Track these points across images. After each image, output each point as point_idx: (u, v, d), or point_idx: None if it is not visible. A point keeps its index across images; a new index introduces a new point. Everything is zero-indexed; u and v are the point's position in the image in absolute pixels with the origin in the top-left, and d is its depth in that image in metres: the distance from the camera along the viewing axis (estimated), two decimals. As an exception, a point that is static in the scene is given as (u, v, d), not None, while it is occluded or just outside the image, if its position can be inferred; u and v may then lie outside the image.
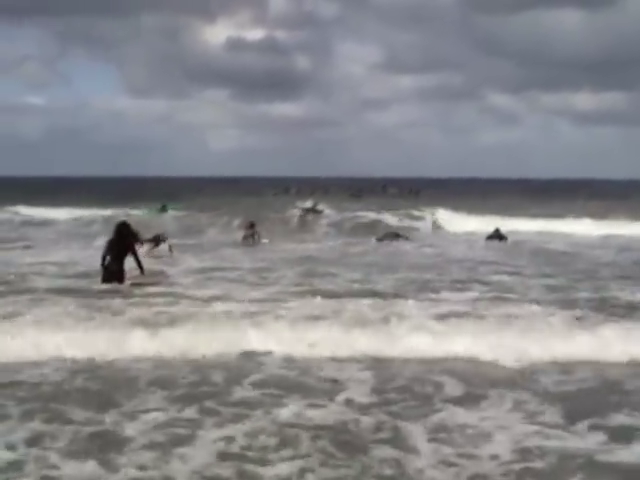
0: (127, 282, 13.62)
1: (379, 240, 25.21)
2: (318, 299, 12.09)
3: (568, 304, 12.00)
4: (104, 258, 13.71)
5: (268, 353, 8.93)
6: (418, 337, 9.32)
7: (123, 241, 13.87)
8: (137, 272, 13.86)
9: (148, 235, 19.75)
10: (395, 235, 25.85)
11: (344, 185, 76.48)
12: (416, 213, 32.86)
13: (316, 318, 10.51)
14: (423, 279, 14.95)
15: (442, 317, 10.74)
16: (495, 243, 24.30)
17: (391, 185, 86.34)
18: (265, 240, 23.89)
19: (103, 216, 29.83)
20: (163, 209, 33.81)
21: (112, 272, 13.61)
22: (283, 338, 9.28)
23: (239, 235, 24.91)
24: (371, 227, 29.10)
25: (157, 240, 20.04)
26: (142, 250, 18.60)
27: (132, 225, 20.63)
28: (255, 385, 7.83)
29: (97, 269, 13.79)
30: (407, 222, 30.60)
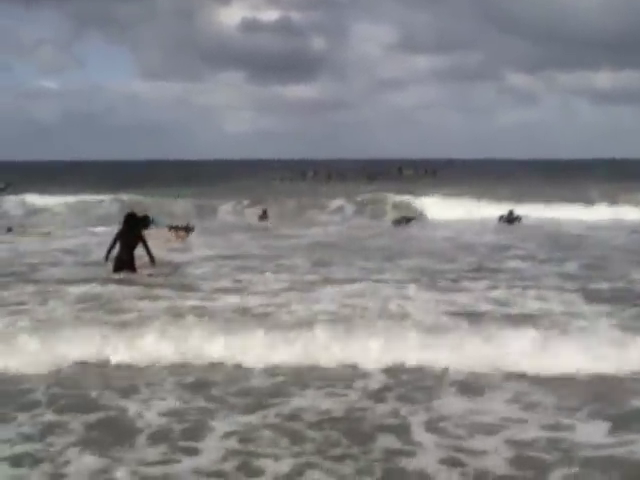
0: (139, 271, 13.60)
1: (396, 223, 25.67)
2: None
3: (592, 296, 11.47)
4: (109, 250, 13.77)
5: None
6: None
7: (132, 232, 13.91)
8: (147, 260, 13.79)
9: (177, 223, 21.21)
10: (408, 219, 26.13)
11: (360, 167, 76.19)
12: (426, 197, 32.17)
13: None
14: (439, 268, 14.67)
15: (470, 316, 10.05)
16: (507, 226, 24.34)
17: (407, 167, 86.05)
18: (271, 224, 24.27)
19: (119, 200, 30.12)
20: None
21: (123, 261, 13.68)
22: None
23: (251, 219, 25.20)
24: (383, 210, 29.25)
25: (187, 229, 20.70)
26: (171, 236, 19.95)
27: (147, 212, 21.53)
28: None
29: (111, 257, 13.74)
30: (419, 204, 30.43)
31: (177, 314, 10.05)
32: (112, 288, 12.24)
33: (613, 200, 29.85)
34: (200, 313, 10.13)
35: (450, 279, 13.17)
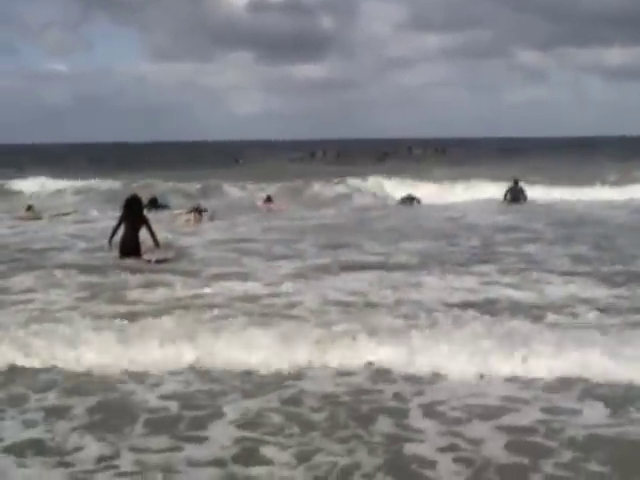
0: (144, 257, 13.51)
1: (402, 202, 26.08)
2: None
3: (606, 280, 11.12)
4: (112, 235, 13.79)
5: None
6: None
7: (134, 214, 13.88)
8: (151, 244, 13.80)
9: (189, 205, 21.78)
10: (411, 199, 26.31)
11: (369, 147, 76.09)
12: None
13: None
14: (446, 250, 14.59)
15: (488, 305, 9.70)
16: (509, 206, 24.39)
17: (417, 146, 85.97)
18: (274, 206, 24.36)
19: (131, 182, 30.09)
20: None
21: (128, 246, 13.63)
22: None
23: (258, 201, 25.29)
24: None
25: (199, 210, 20.88)
26: (183, 218, 20.37)
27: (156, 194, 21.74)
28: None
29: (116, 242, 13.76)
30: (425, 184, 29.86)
31: (182, 306, 9.81)
32: (114, 278, 12.03)
33: (623, 178, 29.62)
34: (204, 303, 9.92)
35: (459, 263, 12.95)
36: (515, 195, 25.51)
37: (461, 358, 7.29)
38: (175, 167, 42.61)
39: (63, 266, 13.02)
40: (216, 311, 9.39)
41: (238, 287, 11.08)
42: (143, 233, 13.91)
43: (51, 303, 10.18)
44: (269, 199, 25.35)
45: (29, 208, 22.46)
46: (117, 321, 8.92)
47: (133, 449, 5.77)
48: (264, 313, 9.40)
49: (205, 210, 21.34)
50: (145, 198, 18.33)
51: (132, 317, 9.15)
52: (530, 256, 13.73)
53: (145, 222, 13.93)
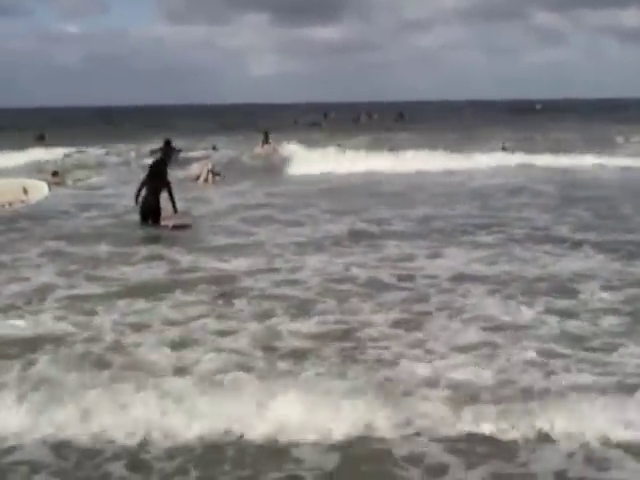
0: (162, 222, 13.91)
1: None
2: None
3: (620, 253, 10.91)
4: (137, 196, 14.10)
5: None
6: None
7: (158, 177, 14.19)
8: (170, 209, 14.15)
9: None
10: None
11: (387, 110, 76.03)
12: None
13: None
14: (453, 221, 14.34)
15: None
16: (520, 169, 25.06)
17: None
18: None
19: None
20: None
21: (149, 208, 13.96)
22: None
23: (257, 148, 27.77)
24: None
25: (214, 173, 22.18)
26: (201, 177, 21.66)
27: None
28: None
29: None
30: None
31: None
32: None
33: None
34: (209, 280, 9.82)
35: (467, 232, 13.01)
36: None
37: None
38: (191, 129, 43.23)
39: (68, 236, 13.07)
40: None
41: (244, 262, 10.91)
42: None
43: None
44: (267, 136, 28.22)
45: (55, 174, 23.04)
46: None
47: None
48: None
49: (218, 174, 22.36)
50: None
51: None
52: (534, 222, 13.94)
53: (168, 186, 14.21)
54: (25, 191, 14.54)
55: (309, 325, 7.84)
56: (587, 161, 25.65)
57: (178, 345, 7.18)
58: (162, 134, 31.00)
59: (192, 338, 7.41)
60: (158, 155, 23.53)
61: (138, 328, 7.78)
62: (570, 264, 10.39)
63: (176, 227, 13.82)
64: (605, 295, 8.77)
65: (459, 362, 6.65)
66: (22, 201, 14.43)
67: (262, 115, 67.72)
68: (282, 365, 6.65)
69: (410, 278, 9.80)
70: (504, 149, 28.15)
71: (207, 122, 57.58)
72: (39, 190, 14.78)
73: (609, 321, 7.80)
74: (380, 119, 57.58)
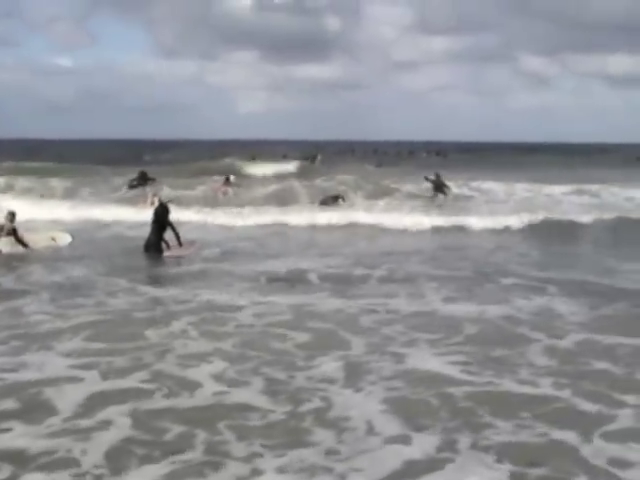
0: (165, 253, 16.26)
1: (322, 203, 25.96)
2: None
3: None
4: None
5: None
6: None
7: (161, 221, 16.54)
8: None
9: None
10: (335, 198, 26.43)
11: (370, 150, 78.63)
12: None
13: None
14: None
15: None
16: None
17: (419, 150, 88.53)
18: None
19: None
20: None
21: (150, 246, 16.37)
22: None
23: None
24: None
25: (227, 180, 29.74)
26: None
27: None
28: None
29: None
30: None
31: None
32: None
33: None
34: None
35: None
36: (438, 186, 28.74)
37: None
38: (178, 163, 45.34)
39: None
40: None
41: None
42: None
43: None
44: (227, 180, 31.16)
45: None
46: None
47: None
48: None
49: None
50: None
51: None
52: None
53: (170, 226, 16.54)
54: (53, 239, 17.63)
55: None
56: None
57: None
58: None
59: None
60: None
61: None
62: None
63: (174, 257, 16.09)
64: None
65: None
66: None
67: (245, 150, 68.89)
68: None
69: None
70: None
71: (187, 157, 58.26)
72: (64, 239, 17.89)
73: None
74: (360, 161, 58.42)
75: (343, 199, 26.64)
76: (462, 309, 11.19)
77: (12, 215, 16.63)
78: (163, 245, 16.47)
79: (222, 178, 31.53)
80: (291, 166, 43.20)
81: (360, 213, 22.91)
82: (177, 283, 13.50)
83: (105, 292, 12.36)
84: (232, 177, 32.13)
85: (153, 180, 30.91)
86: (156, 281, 13.98)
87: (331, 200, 26.35)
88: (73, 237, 17.99)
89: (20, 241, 16.50)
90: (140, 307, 11.33)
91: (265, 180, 34.33)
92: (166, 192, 25.33)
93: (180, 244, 16.59)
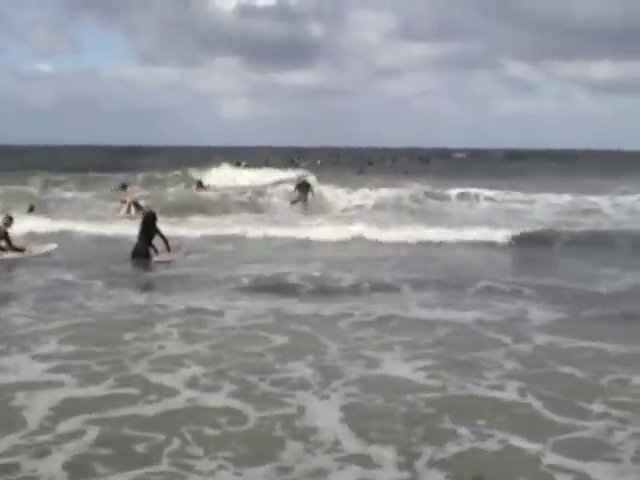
0: (153, 259, 16.39)
1: (292, 203, 28.35)
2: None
3: None
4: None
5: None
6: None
7: (149, 227, 16.71)
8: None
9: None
10: (307, 185, 29.22)
11: (354, 156, 78.80)
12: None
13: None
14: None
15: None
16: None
17: (402, 156, 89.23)
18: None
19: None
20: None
21: (139, 252, 16.47)
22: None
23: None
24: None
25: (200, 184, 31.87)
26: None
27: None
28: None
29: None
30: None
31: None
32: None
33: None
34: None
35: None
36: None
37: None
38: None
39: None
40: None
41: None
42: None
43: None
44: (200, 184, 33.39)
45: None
46: None
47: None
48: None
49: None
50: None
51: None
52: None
53: (158, 232, 16.71)
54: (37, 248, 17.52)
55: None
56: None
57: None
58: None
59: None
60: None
61: None
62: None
63: (161, 262, 16.24)
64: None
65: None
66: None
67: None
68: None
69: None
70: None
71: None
72: (49, 246, 17.89)
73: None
74: (343, 167, 58.56)
75: (312, 192, 28.92)
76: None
77: (9, 219, 16.65)
78: (151, 251, 16.53)
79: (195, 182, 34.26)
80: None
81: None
82: (160, 287, 13.62)
83: (87, 296, 12.38)
84: (204, 180, 34.87)
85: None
86: (139, 285, 13.95)
87: (304, 187, 28.83)
88: (56, 245, 17.90)
89: (12, 246, 16.42)
90: (122, 311, 11.33)
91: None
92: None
93: (169, 249, 16.73)
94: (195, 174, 38.61)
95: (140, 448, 6.36)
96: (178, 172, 41.10)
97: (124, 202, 25.11)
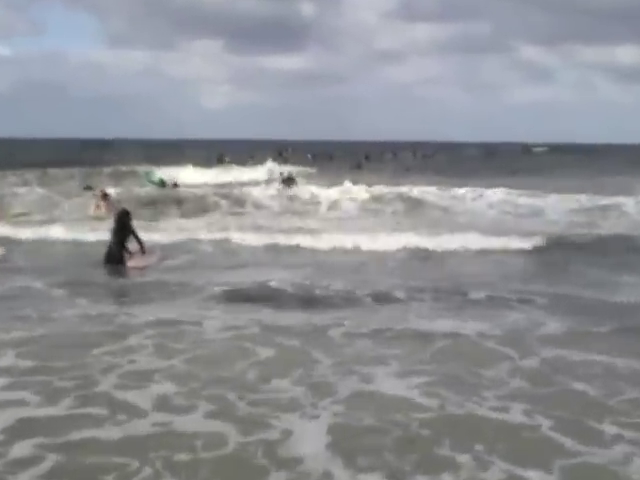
0: (128, 264, 16.30)
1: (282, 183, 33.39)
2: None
3: None
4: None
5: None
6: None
7: (123, 228, 16.60)
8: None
9: None
10: (291, 179, 34.22)
11: (350, 151, 78.56)
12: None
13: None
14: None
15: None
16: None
17: (405, 150, 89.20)
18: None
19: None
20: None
21: (112, 257, 16.34)
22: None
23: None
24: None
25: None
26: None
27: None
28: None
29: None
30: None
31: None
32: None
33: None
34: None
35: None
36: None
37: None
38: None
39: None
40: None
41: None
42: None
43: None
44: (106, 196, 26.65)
45: None
46: None
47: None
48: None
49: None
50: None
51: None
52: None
53: (133, 233, 16.58)
54: None
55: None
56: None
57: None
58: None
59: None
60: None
61: None
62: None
63: (137, 268, 16.13)
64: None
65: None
66: None
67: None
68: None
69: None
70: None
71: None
72: None
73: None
74: (336, 164, 58.79)
75: (296, 183, 33.13)
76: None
77: None
78: (126, 255, 16.43)
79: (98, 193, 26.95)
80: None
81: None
82: (133, 296, 13.51)
83: (53, 305, 12.24)
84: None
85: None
86: (111, 294, 13.85)
87: (289, 181, 33.38)
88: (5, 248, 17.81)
89: None
90: (90, 322, 11.17)
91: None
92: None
93: (143, 251, 16.58)
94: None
95: (105, 478, 6.22)
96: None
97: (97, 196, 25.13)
